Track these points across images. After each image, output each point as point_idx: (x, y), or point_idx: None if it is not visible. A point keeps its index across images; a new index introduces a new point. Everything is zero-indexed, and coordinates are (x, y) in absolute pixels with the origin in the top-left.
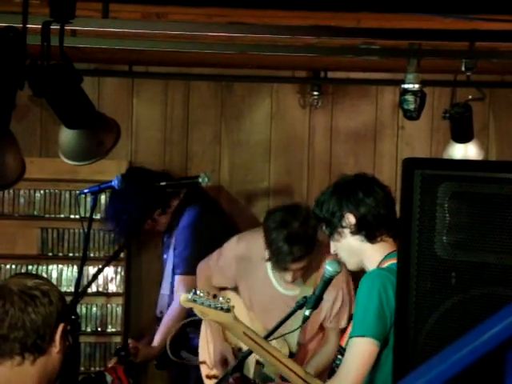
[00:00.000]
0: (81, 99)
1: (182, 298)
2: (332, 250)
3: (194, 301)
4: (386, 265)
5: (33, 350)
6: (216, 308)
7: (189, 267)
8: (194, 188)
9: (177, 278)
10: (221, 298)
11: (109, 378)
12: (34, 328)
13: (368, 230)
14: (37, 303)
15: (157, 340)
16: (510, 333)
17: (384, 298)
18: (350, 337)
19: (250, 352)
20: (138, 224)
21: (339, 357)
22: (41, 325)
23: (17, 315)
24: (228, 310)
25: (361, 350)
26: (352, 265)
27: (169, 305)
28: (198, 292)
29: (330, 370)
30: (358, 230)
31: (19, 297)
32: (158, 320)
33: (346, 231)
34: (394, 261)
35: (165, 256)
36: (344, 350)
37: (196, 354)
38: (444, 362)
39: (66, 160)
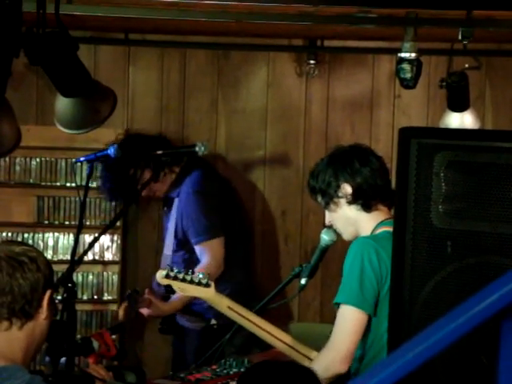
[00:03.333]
0: (77, 67)
1: (157, 275)
2: (327, 221)
3: (172, 277)
4: (377, 232)
5: (20, 315)
6: (195, 283)
7: (208, 233)
8: (193, 156)
9: (199, 247)
10: (200, 274)
11: (95, 343)
12: (22, 293)
13: (364, 200)
14: (25, 269)
15: (172, 299)
16: (505, 302)
17: (368, 265)
18: (334, 303)
19: (238, 327)
20: (134, 189)
21: None
22: (28, 290)
23: (5, 280)
24: (207, 285)
25: (349, 319)
26: (348, 235)
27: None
28: (174, 268)
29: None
30: (354, 199)
31: (7, 262)
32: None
33: (342, 201)
34: (385, 228)
35: (168, 225)
36: None
37: (189, 320)
38: (440, 331)
39: (62, 129)
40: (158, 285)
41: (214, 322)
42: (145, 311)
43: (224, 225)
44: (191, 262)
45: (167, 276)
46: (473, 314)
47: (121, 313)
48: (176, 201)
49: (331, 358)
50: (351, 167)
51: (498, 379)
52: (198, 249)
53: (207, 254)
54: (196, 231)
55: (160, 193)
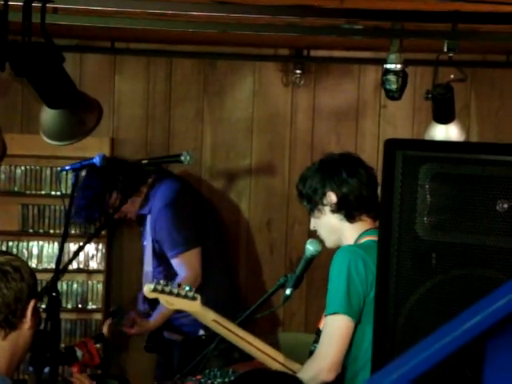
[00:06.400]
0: (62, 79)
1: (145, 288)
2: (311, 227)
3: (159, 290)
4: (362, 241)
5: (4, 325)
6: (182, 297)
7: (183, 245)
8: (160, 171)
9: (175, 260)
10: (186, 287)
11: (79, 352)
12: (6, 303)
13: (348, 210)
14: (8, 278)
15: (154, 316)
16: (490, 322)
17: (354, 273)
18: (325, 315)
19: (221, 339)
20: (105, 212)
21: (316, 339)
22: (12, 300)
23: None
24: (194, 298)
25: (336, 327)
26: (330, 242)
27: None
28: (161, 281)
29: (309, 353)
30: (338, 208)
31: None
32: (145, 298)
33: (327, 209)
34: (370, 237)
35: (145, 243)
36: (321, 331)
37: (177, 333)
38: (424, 352)
39: (47, 140)
40: (143, 302)
41: (202, 332)
42: (128, 330)
43: (199, 235)
44: (170, 276)
45: (155, 290)
46: (458, 335)
47: (105, 329)
48: (148, 217)
49: (319, 366)
50: (338, 177)
51: None
52: (174, 262)
53: (184, 266)
54: (170, 245)
55: (131, 214)
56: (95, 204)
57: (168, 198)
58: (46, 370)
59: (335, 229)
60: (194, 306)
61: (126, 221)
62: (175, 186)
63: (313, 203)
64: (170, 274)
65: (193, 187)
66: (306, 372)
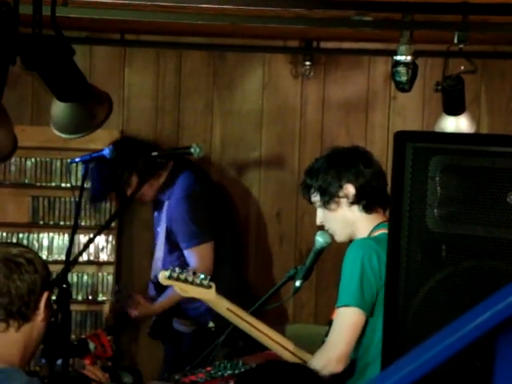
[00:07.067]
0: (73, 72)
1: (160, 275)
2: (318, 222)
3: (174, 278)
4: (376, 234)
5: (17, 316)
6: (196, 285)
7: (197, 238)
8: (181, 159)
9: (188, 252)
10: (201, 275)
11: (91, 345)
12: (19, 295)
13: (367, 200)
14: (22, 270)
15: (160, 300)
16: (500, 318)
17: (368, 266)
18: (337, 307)
19: (233, 328)
20: (122, 192)
21: (329, 330)
22: (25, 292)
23: (2, 282)
24: (209, 287)
25: (347, 320)
26: (342, 236)
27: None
28: (176, 269)
29: (322, 342)
30: (357, 200)
31: (4, 264)
32: (153, 284)
33: (343, 201)
34: (384, 230)
35: (158, 229)
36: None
37: (187, 324)
38: (433, 348)
39: (58, 133)
40: (151, 288)
41: (211, 324)
42: (132, 312)
43: (214, 229)
44: (182, 265)
45: (170, 277)
46: (468, 330)
47: (106, 308)
48: (166, 204)
49: (327, 357)
50: (355, 168)
51: None
52: (186, 253)
53: (196, 259)
54: (185, 236)
55: (147, 197)
56: (112, 181)
57: (187, 189)
58: (59, 362)
59: (350, 222)
60: (209, 295)
61: (140, 203)
62: (196, 177)
63: (328, 196)
64: (182, 263)
65: (211, 180)
66: (315, 362)
